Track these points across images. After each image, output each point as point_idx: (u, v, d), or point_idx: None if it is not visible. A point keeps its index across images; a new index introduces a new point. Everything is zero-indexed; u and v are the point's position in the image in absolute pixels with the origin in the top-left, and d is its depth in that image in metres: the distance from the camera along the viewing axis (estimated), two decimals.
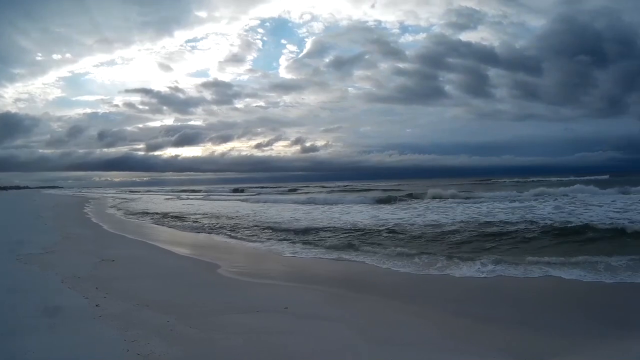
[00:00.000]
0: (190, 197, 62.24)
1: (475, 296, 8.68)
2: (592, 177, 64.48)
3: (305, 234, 16.61)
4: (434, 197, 33.02)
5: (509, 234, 14.94)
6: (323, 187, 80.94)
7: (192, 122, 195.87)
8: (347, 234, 16.24)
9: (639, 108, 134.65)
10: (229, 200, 46.61)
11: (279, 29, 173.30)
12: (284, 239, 15.63)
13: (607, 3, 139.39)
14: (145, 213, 29.05)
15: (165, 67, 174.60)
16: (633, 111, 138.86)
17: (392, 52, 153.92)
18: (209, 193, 71.62)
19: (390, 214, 23.26)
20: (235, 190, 77.36)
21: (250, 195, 57.99)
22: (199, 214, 27.72)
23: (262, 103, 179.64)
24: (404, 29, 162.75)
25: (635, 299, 8.20)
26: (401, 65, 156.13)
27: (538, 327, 6.75)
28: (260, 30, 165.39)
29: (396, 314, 7.48)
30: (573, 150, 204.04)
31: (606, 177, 70.20)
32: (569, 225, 16.14)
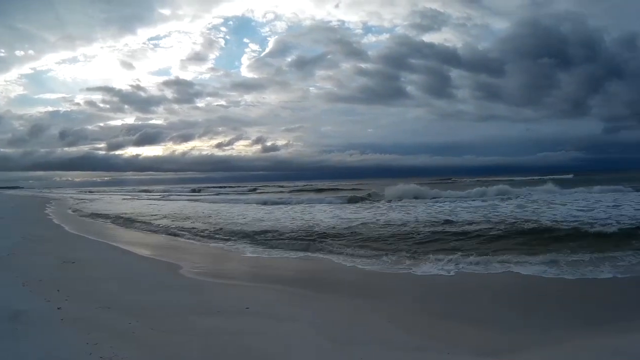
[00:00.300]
0: (150, 197, 61.02)
1: (438, 293, 8.89)
2: (557, 177, 66.01)
3: (267, 234, 16.55)
4: (397, 197, 33.12)
5: (472, 232, 15.18)
6: (281, 186, 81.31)
7: (153, 121, 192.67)
8: (309, 234, 16.30)
9: (602, 110, 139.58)
10: (189, 200, 45.86)
11: (242, 28, 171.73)
12: (246, 239, 15.63)
13: (572, 8, 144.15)
14: (103, 214, 28.19)
15: (128, 65, 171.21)
16: (596, 113, 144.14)
17: (355, 52, 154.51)
18: (169, 193, 70.49)
19: (353, 214, 23.45)
20: (194, 190, 76.31)
21: (210, 195, 57.36)
22: (158, 214, 27.24)
23: (223, 102, 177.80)
24: (367, 29, 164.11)
25: (595, 294, 8.42)
26: (363, 65, 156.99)
27: (499, 323, 6.93)
28: (223, 28, 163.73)
29: (359, 313, 7.55)
30: (535, 150, 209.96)
31: (570, 176, 71.91)
32: (532, 223, 16.50)
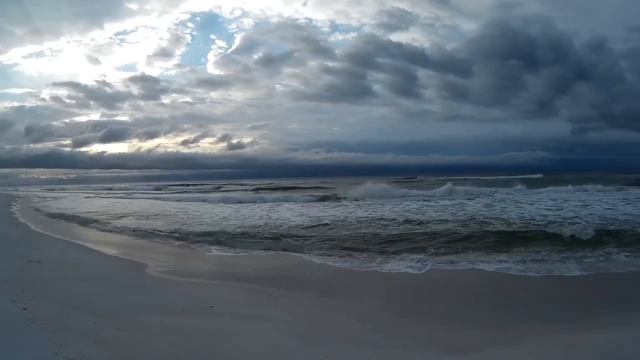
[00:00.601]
0: (114, 195, 59.75)
1: (406, 291, 9.02)
2: (526, 176, 67.10)
3: (233, 232, 16.53)
4: (364, 196, 33.00)
5: (439, 231, 15.24)
6: (242, 184, 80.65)
7: (118, 118, 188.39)
8: (277, 232, 16.34)
9: (570, 111, 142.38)
10: (154, 199, 45.06)
11: (209, 24, 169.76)
12: (212, 238, 15.48)
13: (541, 11, 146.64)
14: (68, 213, 27.32)
15: (94, 60, 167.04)
16: (563, 114, 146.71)
17: (322, 50, 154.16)
18: (133, 191, 69.15)
19: (320, 212, 23.48)
20: (158, 189, 75.23)
21: (176, 193, 56.41)
22: (123, 213, 26.81)
23: (188, 99, 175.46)
24: (335, 27, 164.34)
25: (562, 292, 8.61)
26: (330, 63, 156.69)
27: (467, 321, 7.02)
28: (190, 24, 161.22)
29: (326, 311, 7.63)
30: (502, 150, 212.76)
31: (539, 175, 73.10)
32: (499, 222, 16.82)
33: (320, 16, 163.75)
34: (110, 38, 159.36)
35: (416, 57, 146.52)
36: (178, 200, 39.41)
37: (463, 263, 10.72)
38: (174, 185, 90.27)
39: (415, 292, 8.90)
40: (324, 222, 18.83)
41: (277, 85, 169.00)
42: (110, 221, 21.95)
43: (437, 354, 5.72)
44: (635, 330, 6.38)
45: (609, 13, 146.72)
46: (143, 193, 62.80)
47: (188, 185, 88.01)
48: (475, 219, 17.78)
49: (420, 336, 6.37)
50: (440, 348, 5.88)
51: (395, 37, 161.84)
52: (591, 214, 17.87)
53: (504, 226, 15.80)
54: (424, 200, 28.23)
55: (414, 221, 17.81)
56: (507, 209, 21.53)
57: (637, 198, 24.71)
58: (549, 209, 20.54)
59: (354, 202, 29.59)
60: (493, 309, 7.66)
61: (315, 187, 58.87)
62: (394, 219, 18.62)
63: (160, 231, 17.61)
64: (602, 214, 18.05)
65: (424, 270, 10.24)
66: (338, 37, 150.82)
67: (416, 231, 15.50)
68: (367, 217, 20.01)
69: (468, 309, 7.67)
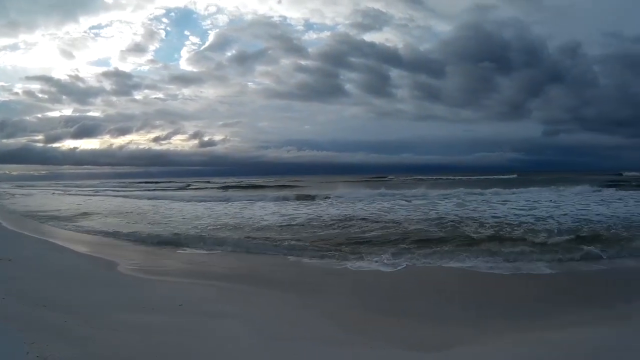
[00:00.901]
0: (84, 192, 58.51)
1: (377, 289, 9.11)
2: (499, 177, 67.83)
3: (205, 230, 16.57)
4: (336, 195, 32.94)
5: (411, 230, 15.42)
6: (212, 182, 79.94)
7: (90, 113, 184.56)
8: (249, 230, 16.50)
9: (542, 113, 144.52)
10: (124, 197, 44.39)
11: (183, 20, 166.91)
12: (182, 236, 15.42)
13: (517, 15, 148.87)
14: (39, 210, 26.99)
15: (68, 54, 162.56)
16: (535, 116, 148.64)
17: (295, 48, 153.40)
18: (105, 188, 67.96)
19: (293, 210, 23.58)
20: (126, 186, 74.08)
21: (148, 191, 55.55)
22: (94, 211, 26.45)
23: (161, 95, 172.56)
24: (309, 26, 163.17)
25: (532, 289, 8.84)
26: (303, 62, 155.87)
27: (437, 318, 7.13)
28: (164, 20, 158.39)
29: (296, 309, 7.70)
30: (472, 151, 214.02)
31: (514, 176, 73.90)
32: (471, 221, 17.04)
33: (294, 14, 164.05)
34: (85, 32, 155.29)
35: (389, 57, 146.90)
36: (148, 199, 38.64)
37: (435, 261, 10.85)
38: (145, 182, 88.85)
39: (387, 290, 8.97)
40: (297, 220, 18.94)
41: (249, 83, 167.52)
42: (79, 219, 21.68)
43: (406, 351, 5.77)
44: (602, 328, 6.49)
45: (585, 19, 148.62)
46: (113, 190, 61.58)
47: (157, 182, 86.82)
48: (447, 218, 17.91)
49: (390, 334, 6.42)
50: (411, 345, 5.94)
51: (369, 37, 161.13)
52: (564, 214, 18.29)
53: (476, 225, 16.04)
54: (398, 200, 28.14)
55: (386, 220, 17.95)
56: (479, 208, 21.83)
57: (611, 199, 25.04)
58: (522, 209, 20.90)
59: (327, 200, 29.56)
60: (464, 306, 7.74)
61: (287, 185, 58.63)
62: (366, 218, 18.80)
63: (131, 229, 17.37)
64: (576, 214, 18.48)
65: (395, 269, 10.33)
66: (312, 35, 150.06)
67: (389, 230, 15.62)
68: (339, 215, 20.14)
69: (439, 306, 7.78)
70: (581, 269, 10.12)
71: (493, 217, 18.08)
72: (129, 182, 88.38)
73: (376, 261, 10.95)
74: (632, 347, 5.81)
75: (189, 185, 69.77)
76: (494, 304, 7.93)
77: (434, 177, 73.68)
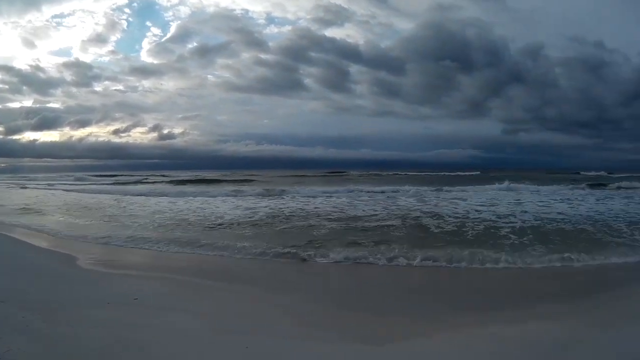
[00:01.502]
0: (39, 186, 56.59)
1: (334, 284, 9.45)
2: (458, 173, 68.70)
3: (164, 225, 16.53)
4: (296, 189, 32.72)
5: (371, 225, 15.69)
6: (171, 176, 78.45)
7: (51, 105, 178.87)
8: (211, 224, 16.55)
9: (502, 112, 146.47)
10: (80, 191, 42.95)
11: (146, 10, 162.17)
12: (143, 229, 15.48)
13: (480, 15, 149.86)
14: None
15: (29, 44, 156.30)
16: (495, 115, 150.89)
17: (256, 42, 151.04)
18: (62, 182, 65.80)
19: (254, 204, 23.61)
20: (81, 179, 71.92)
21: (104, 184, 54.12)
22: (53, 205, 25.98)
23: (121, 87, 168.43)
24: (271, 20, 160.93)
25: (490, 283, 9.16)
26: (263, 56, 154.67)
27: (394, 312, 7.31)
28: (127, 10, 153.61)
29: (252, 303, 7.83)
30: (431, 147, 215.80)
31: (477, 172, 74.94)
32: (432, 216, 17.39)
33: (256, 8, 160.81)
34: (47, 21, 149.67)
35: (350, 53, 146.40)
36: (106, 193, 37.65)
37: (395, 256, 10.91)
38: (102, 175, 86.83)
39: (343, 284, 9.26)
40: (257, 214, 19.00)
41: (209, 76, 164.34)
42: (36, 214, 21.10)
43: (360, 345, 5.89)
44: (556, 322, 6.70)
45: (548, 23, 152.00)
46: (67, 184, 59.78)
47: (114, 176, 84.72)
48: (410, 214, 18.26)
49: (344, 328, 6.57)
50: (364, 339, 6.06)
51: (330, 32, 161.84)
52: (527, 212, 18.79)
53: (436, 220, 16.44)
54: (360, 195, 28.50)
55: (346, 215, 18.40)
56: (440, 204, 22.22)
57: (576, 197, 25.74)
58: (482, 205, 21.46)
59: (289, 195, 29.33)
60: (419, 301, 8.00)
61: (246, 180, 58.11)
62: (325, 213, 19.09)
63: (90, 224, 17.25)
64: (537, 210, 19.21)
65: (352, 263, 10.59)
66: (273, 29, 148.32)
67: (349, 225, 15.88)
68: (298, 209, 20.55)
69: (394, 301, 7.97)
70: (537, 265, 10.32)
71: (454, 213, 18.45)
72: (86, 175, 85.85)
73: (332, 257, 11.04)
74: (585, 341, 6.02)
75: (144, 179, 68.09)
76: (449, 298, 8.16)
77: (392, 173, 74.14)
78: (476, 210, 19.06)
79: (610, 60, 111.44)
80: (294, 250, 11.65)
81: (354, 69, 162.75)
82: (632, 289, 8.73)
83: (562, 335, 6.20)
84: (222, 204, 24.27)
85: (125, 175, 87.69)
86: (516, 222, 15.62)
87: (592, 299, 8.04)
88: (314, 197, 27.39)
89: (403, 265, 10.38)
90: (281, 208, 21.07)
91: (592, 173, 69.56)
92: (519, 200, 24.09)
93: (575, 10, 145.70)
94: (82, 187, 47.75)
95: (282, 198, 27.38)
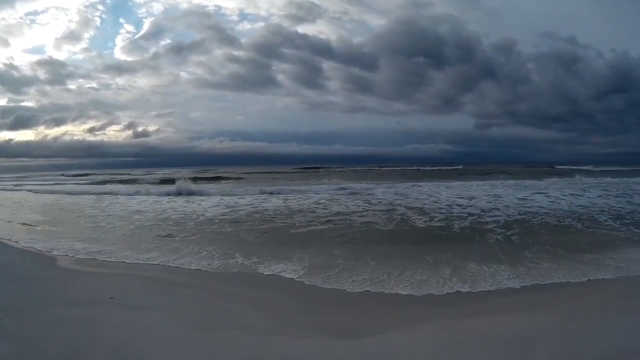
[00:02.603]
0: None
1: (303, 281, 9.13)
2: (447, 167, 69.16)
3: (139, 224, 16.57)
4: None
5: (344, 221, 16.08)
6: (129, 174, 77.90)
7: (25, 104, 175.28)
8: (188, 225, 16.43)
9: (474, 107, 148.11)
10: (57, 192, 41.91)
11: (119, 7, 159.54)
12: (116, 229, 15.49)
13: (452, 11, 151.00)
14: None
15: (3, 42, 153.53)
16: (468, 110, 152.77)
17: (228, 39, 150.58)
18: (28, 183, 64.19)
19: (234, 203, 23.61)
20: (57, 179, 70.38)
21: (78, 184, 53.03)
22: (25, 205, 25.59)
23: (94, 85, 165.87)
24: (243, 16, 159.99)
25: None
26: (235, 52, 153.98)
27: (357, 308, 7.49)
28: (100, 7, 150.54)
29: (223, 301, 7.88)
30: (405, 142, 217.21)
31: (460, 167, 75.59)
32: (415, 212, 17.72)
33: (229, 4, 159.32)
34: (21, 18, 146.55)
35: (322, 49, 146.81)
36: (79, 194, 36.72)
37: (367, 252, 11.09)
38: (78, 175, 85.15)
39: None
40: (238, 214, 19.18)
41: (182, 73, 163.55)
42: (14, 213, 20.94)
43: (330, 340, 6.03)
44: (517, 315, 6.90)
45: (521, 19, 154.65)
46: (40, 185, 58.09)
47: (88, 175, 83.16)
48: (396, 210, 18.55)
49: (316, 323, 6.72)
50: (334, 334, 6.22)
51: (302, 28, 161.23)
52: (507, 206, 19.31)
53: (418, 215, 16.92)
54: (336, 191, 28.57)
55: (322, 214, 18.26)
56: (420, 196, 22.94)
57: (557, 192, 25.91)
58: (460, 197, 22.18)
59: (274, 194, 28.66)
60: (395, 295, 8.05)
61: (224, 177, 57.66)
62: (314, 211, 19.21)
63: (68, 224, 17.12)
64: (517, 205, 19.73)
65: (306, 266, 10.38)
66: (246, 26, 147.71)
67: (319, 221, 16.34)
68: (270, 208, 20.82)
69: (362, 296, 8.08)
70: (499, 258, 10.44)
71: (438, 209, 18.66)
72: (60, 175, 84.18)
73: (308, 254, 11.01)
74: (546, 331, 6.18)
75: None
76: (419, 292, 8.14)
77: (366, 168, 74.27)
78: (457, 204, 19.49)
79: (583, 55, 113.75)
80: (266, 250, 11.64)
81: (327, 65, 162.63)
82: (606, 279, 8.81)
83: (531, 326, 6.39)
84: (209, 202, 24.38)
85: (103, 174, 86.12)
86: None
87: (566, 289, 8.22)
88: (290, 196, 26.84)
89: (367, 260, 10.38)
90: (263, 207, 21.32)
91: (566, 167, 70.65)
92: (499, 194, 24.50)
93: (548, 7, 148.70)
94: (51, 187, 46.10)
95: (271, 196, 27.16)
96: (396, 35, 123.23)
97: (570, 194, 23.97)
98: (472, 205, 19.20)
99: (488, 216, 16.17)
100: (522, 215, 16.41)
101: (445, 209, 18.38)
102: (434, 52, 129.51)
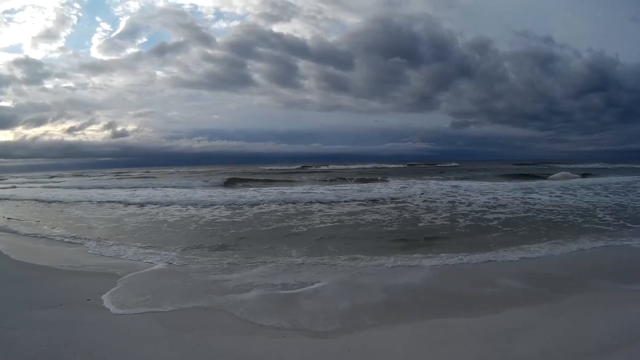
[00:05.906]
0: None
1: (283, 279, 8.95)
2: (443, 165, 69.10)
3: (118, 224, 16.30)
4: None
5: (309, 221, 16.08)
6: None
7: (2, 104, 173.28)
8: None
9: (451, 105, 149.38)
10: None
11: (95, 5, 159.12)
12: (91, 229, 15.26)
13: (427, 10, 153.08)
14: None
15: None
16: (444, 108, 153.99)
17: (204, 37, 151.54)
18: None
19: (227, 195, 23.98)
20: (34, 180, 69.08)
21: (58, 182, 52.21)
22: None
23: (71, 84, 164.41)
24: (219, 15, 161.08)
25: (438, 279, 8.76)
26: (211, 51, 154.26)
27: (337, 305, 7.27)
28: (76, 5, 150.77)
29: (201, 300, 7.67)
30: (382, 141, 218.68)
31: (456, 164, 75.63)
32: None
33: (205, 3, 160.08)
34: None
35: (297, 48, 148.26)
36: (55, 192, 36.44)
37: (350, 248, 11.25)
38: (59, 174, 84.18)
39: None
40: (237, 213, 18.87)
41: (158, 72, 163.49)
42: None
43: (310, 338, 5.97)
44: (502, 315, 6.70)
45: (496, 18, 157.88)
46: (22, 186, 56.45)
47: (62, 176, 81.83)
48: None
49: (296, 321, 6.59)
50: (314, 332, 6.17)
51: (277, 27, 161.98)
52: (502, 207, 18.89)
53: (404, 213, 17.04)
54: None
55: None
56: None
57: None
58: (450, 194, 22.54)
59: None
60: (374, 294, 7.87)
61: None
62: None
63: (36, 225, 16.76)
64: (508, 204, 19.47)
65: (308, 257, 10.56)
66: (221, 24, 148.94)
67: (295, 220, 16.39)
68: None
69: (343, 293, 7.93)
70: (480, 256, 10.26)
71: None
72: (36, 176, 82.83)
73: (292, 253, 10.98)
74: (527, 326, 6.16)
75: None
76: (393, 290, 8.01)
77: (344, 166, 73.97)
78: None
79: (560, 54, 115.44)
80: (246, 247, 11.71)
81: (302, 63, 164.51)
82: (590, 274, 8.70)
83: (511, 321, 6.36)
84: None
85: (79, 175, 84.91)
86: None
87: (550, 284, 8.10)
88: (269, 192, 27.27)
89: (356, 255, 10.47)
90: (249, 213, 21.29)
91: (546, 166, 71.12)
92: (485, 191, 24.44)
93: (524, 6, 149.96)
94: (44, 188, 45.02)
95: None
96: (371, 33, 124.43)
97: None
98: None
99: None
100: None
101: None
102: (410, 51, 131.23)
